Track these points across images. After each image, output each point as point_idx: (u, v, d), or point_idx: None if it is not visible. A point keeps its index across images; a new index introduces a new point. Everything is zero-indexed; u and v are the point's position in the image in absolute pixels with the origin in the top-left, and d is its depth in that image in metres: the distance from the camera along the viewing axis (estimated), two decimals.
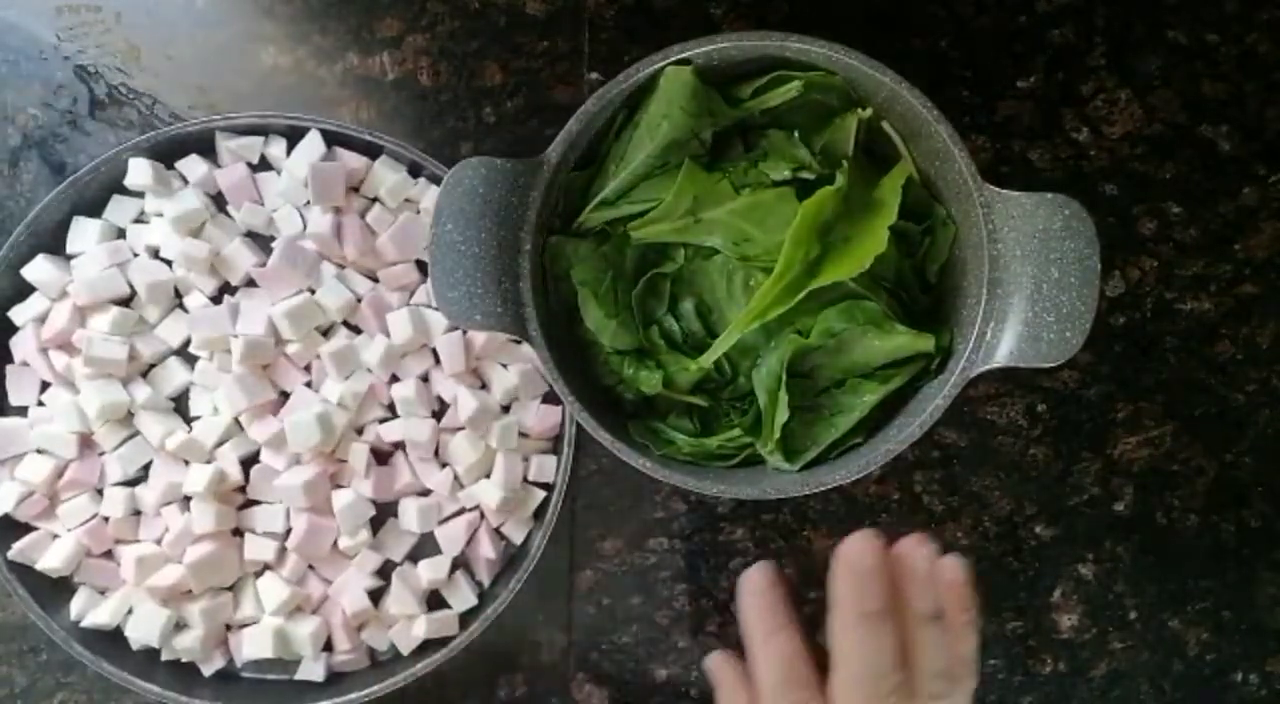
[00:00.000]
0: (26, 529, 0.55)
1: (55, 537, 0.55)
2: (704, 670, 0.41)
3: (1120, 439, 0.59)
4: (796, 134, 0.48)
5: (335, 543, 0.55)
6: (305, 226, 0.56)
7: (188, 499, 0.55)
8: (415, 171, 0.57)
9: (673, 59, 0.46)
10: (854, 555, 0.34)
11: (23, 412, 0.56)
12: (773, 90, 0.48)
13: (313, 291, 0.56)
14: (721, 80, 0.49)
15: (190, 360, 0.56)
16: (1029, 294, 0.45)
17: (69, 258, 0.56)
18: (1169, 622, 0.59)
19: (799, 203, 0.46)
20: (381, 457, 0.56)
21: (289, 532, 0.55)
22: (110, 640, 0.55)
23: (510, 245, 0.46)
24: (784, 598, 0.37)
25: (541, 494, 0.57)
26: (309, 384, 0.56)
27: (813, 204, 0.45)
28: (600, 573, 0.59)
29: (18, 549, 0.54)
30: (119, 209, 0.57)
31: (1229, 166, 0.59)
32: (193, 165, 0.56)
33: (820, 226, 0.46)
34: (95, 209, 0.57)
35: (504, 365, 0.57)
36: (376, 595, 0.56)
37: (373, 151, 0.56)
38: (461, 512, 0.56)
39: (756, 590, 0.37)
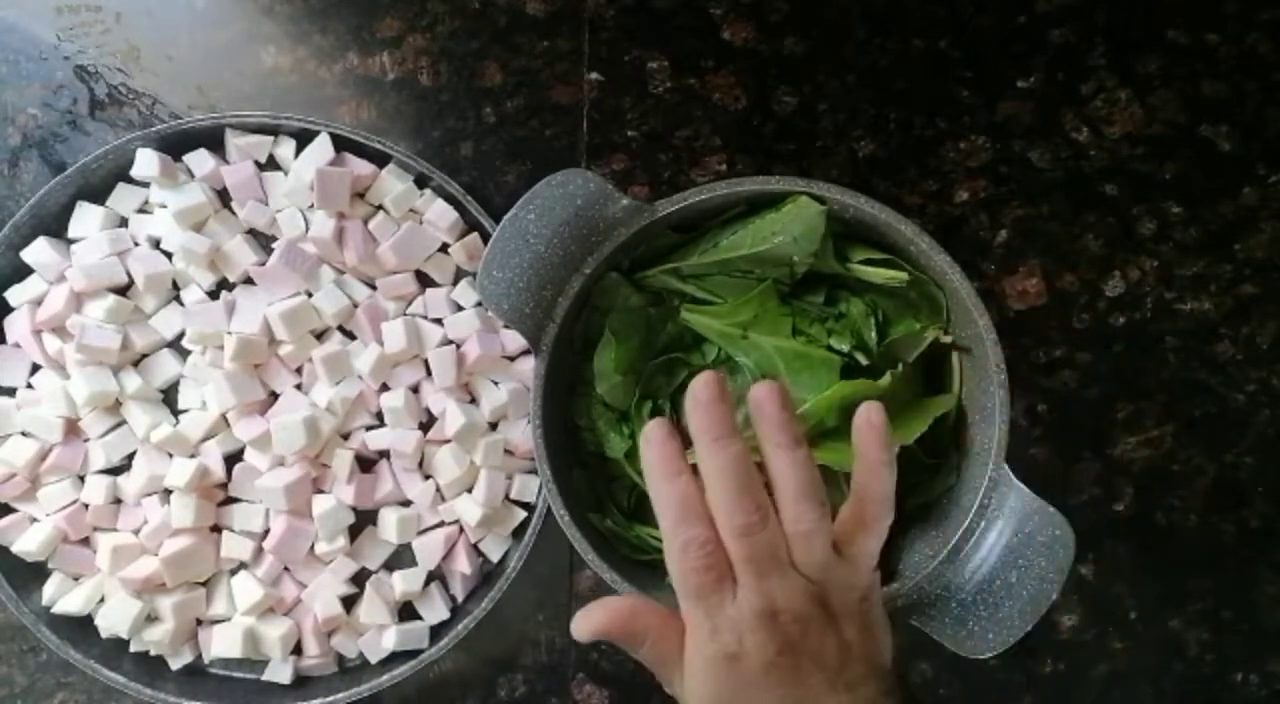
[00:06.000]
0: (5, 511, 0.55)
1: (34, 520, 0.55)
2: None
3: (1120, 439, 0.59)
4: (874, 318, 0.48)
5: (312, 547, 0.55)
6: (308, 229, 0.56)
7: (169, 492, 0.55)
8: (422, 183, 0.57)
9: (802, 191, 0.46)
10: (698, 390, 0.36)
11: (11, 393, 0.56)
12: (882, 269, 0.47)
13: (310, 294, 0.56)
14: (844, 229, 0.48)
15: (183, 353, 0.56)
16: (980, 579, 0.45)
17: (70, 242, 0.56)
18: (1169, 622, 0.59)
19: (838, 377, 0.46)
20: (365, 464, 0.56)
21: (267, 532, 0.55)
22: (79, 628, 0.55)
23: (573, 262, 0.47)
24: (681, 449, 0.37)
25: (522, 514, 0.57)
26: (299, 387, 0.56)
27: (851, 389, 0.45)
28: None
29: None
30: (123, 197, 0.56)
31: (1229, 166, 0.59)
32: (200, 160, 0.56)
33: (845, 408, 0.45)
34: (100, 196, 0.56)
35: (495, 382, 0.57)
36: (349, 602, 0.56)
37: (381, 160, 0.56)
38: (441, 525, 0.56)
39: (660, 438, 0.37)
